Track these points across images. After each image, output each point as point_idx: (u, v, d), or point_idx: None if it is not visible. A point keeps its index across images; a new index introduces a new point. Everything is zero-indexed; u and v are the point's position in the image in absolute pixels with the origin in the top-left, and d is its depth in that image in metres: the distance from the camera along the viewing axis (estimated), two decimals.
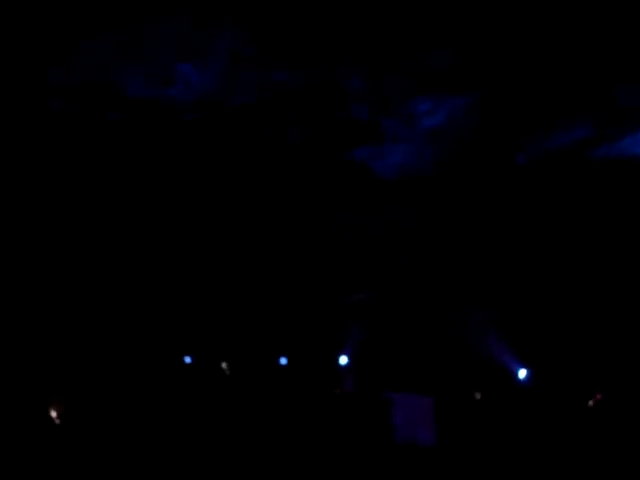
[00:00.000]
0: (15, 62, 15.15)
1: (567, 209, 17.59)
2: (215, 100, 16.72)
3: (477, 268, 17.96)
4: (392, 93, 16.89)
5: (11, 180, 17.20)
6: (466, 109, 16.36)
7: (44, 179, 17.46)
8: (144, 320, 18.47)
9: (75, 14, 14.54)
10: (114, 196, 18.01)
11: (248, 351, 18.33)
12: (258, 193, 17.76)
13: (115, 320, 18.37)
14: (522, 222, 17.71)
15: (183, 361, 18.49)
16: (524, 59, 15.93)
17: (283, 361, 18.23)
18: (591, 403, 16.00)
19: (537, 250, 17.79)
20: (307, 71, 16.42)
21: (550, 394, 16.48)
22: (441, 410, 15.63)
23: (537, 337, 17.48)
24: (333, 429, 15.27)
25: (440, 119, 17.07)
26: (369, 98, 16.95)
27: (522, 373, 17.08)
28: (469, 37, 14.81)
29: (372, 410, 15.64)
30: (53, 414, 15.75)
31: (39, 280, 18.00)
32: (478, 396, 17.02)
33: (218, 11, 14.87)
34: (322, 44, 15.96)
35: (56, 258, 18.12)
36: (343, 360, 17.95)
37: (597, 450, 13.31)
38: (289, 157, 17.64)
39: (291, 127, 17.31)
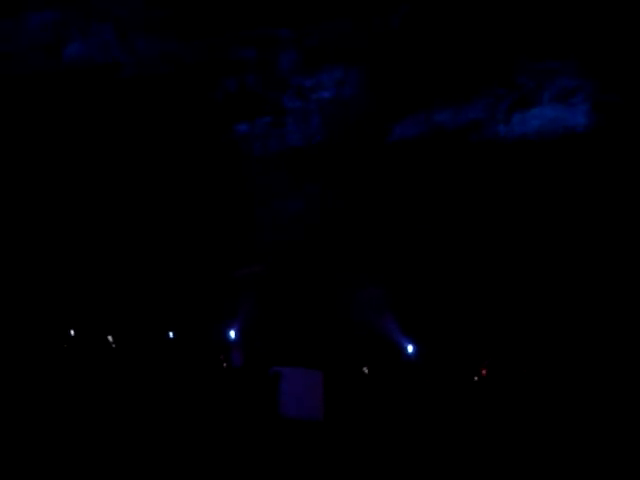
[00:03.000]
0: None
1: (452, 188, 17.78)
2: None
3: (367, 246, 17.98)
4: (283, 66, 16.77)
5: None
6: (354, 83, 16.36)
7: None
8: (28, 291, 17.89)
9: None
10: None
11: (135, 324, 17.93)
12: (152, 163, 17.36)
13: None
14: (408, 201, 17.81)
15: (68, 334, 17.96)
16: (414, 31, 16.02)
17: (170, 335, 17.89)
18: (476, 378, 16.24)
19: (422, 229, 17.92)
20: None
21: (436, 369, 16.66)
22: (329, 384, 15.59)
23: (425, 314, 17.63)
24: (219, 403, 15.07)
25: (329, 93, 17.02)
26: (261, 71, 16.79)
27: (410, 348, 17.21)
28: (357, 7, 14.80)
29: (260, 384, 15.50)
30: None
31: None
32: (366, 370, 17.07)
33: None
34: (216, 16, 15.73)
35: None
36: (232, 334, 17.72)
37: (480, 423, 13.50)
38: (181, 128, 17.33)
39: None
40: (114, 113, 17.13)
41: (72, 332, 17.90)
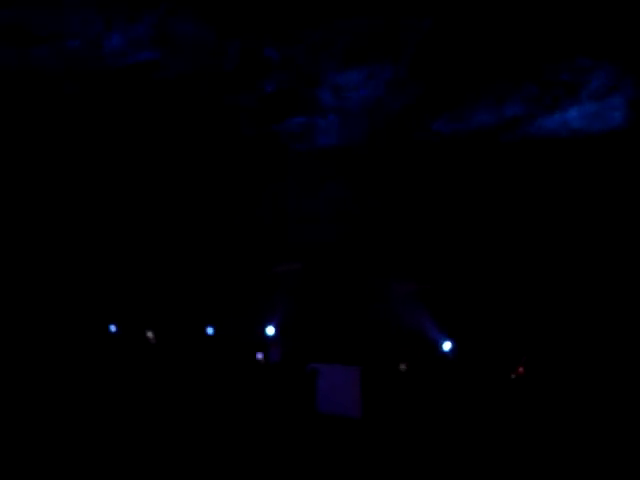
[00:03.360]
0: None
1: (490, 185, 17.78)
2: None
3: (402, 241, 18.05)
4: (316, 64, 16.86)
5: None
6: (390, 81, 16.42)
7: None
8: (70, 286, 18.18)
9: None
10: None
11: (175, 320, 18.17)
12: (186, 163, 17.56)
13: (39, 284, 18.08)
14: (445, 197, 17.85)
15: (108, 329, 18.26)
16: (450, 31, 16.03)
17: (210, 331, 18.11)
18: (513, 376, 16.27)
19: (458, 224, 17.95)
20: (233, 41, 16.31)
21: (473, 366, 16.71)
22: (367, 381, 15.72)
23: (462, 310, 17.66)
24: (258, 399, 15.26)
25: (366, 92, 17.08)
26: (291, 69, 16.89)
27: (446, 345, 17.25)
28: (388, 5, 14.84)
29: (297, 381, 15.67)
30: None
31: None
32: (403, 367, 17.15)
33: None
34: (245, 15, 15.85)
35: None
36: (270, 330, 17.89)
37: (518, 422, 13.55)
38: (219, 127, 17.49)
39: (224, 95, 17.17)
40: (150, 110, 17.34)
41: (112, 328, 18.20)
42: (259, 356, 17.64)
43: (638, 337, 15.86)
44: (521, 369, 16.43)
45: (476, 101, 17.32)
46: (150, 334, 18.13)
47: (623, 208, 17.08)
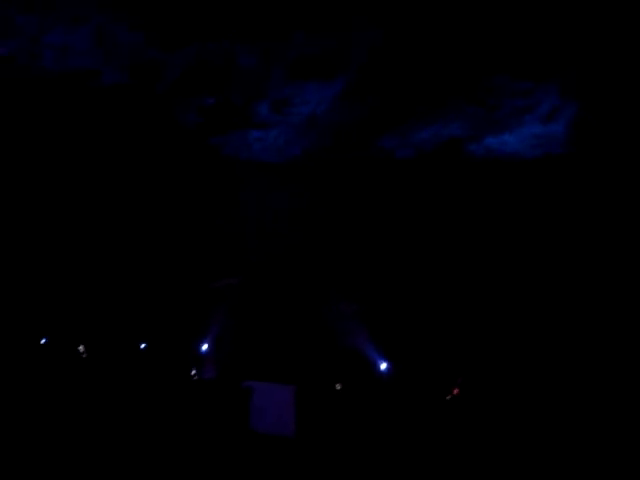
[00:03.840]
0: None
1: (434, 205, 17.83)
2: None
3: (344, 262, 17.96)
4: (267, 79, 16.73)
5: None
6: (338, 97, 16.37)
7: None
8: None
9: None
10: None
11: (107, 334, 17.79)
12: (121, 172, 17.28)
13: None
14: (388, 217, 17.84)
15: (39, 341, 17.81)
16: (394, 49, 16.07)
17: (143, 346, 17.77)
18: (448, 397, 16.22)
19: (401, 246, 17.94)
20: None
21: (409, 387, 16.65)
22: (301, 400, 15.52)
23: (400, 332, 17.61)
24: (191, 416, 14.96)
25: (313, 107, 17.00)
26: (246, 83, 16.75)
27: (383, 366, 17.16)
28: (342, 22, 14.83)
29: (231, 398, 15.41)
30: None
31: None
32: (339, 387, 17.00)
33: None
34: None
35: None
36: (205, 346, 17.63)
37: (451, 441, 13.48)
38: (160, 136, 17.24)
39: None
40: (91, 120, 17.03)
41: (43, 341, 17.76)
42: (193, 372, 17.35)
43: (571, 360, 15.99)
44: (456, 390, 16.41)
45: (421, 120, 17.35)
46: (81, 347, 17.71)
47: (562, 229, 17.24)
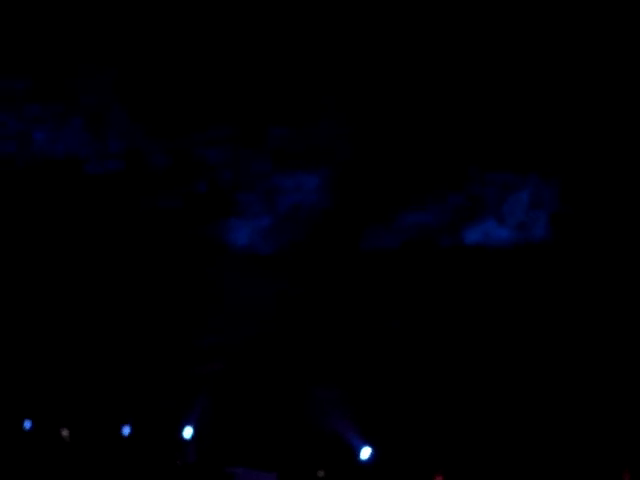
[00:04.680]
0: None
1: (412, 294, 18.01)
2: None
3: (327, 349, 18.06)
4: (251, 170, 17.16)
5: None
6: (318, 188, 16.75)
7: None
8: None
9: None
10: None
11: (91, 418, 17.80)
12: (107, 255, 17.55)
13: None
14: (370, 306, 18.01)
15: (23, 426, 17.83)
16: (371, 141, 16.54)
17: (126, 430, 17.75)
18: None
19: (383, 332, 18.05)
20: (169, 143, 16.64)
21: (393, 474, 16.59)
22: None
23: (382, 418, 17.60)
24: None
25: (296, 198, 17.39)
26: (230, 172, 17.18)
27: (365, 452, 17.10)
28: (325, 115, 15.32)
29: None
30: None
31: None
32: (321, 474, 16.95)
33: None
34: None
35: None
36: (188, 431, 17.60)
37: None
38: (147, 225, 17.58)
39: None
40: (77, 208, 17.42)
41: (27, 424, 17.77)
42: (176, 456, 17.32)
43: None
44: (439, 478, 16.35)
45: (403, 210, 17.69)
46: (65, 432, 17.71)
47: (542, 321, 17.35)
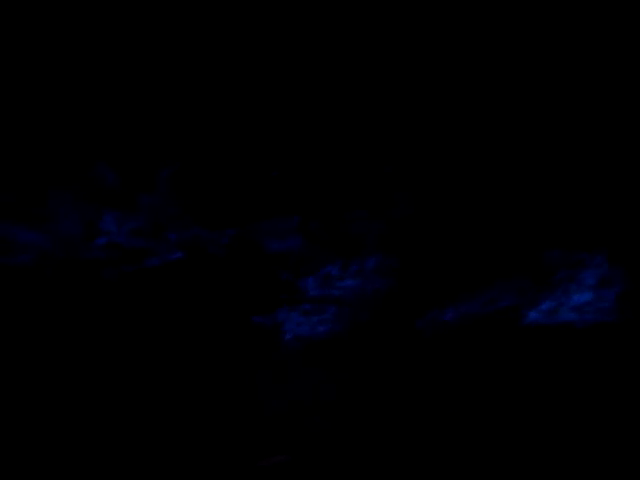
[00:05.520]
0: None
1: (475, 375, 17.74)
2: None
3: (390, 438, 17.68)
4: (310, 256, 16.79)
5: None
6: (381, 272, 16.42)
7: None
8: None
9: None
10: None
11: None
12: (180, 348, 17.10)
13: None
14: (432, 390, 17.73)
15: None
16: (440, 229, 16.20)
17: None
18: None
19: (447, 418, 17.76)
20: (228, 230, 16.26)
21: None
22: None
23: None
24: None
25: (355, 282, 17.03)
26: (290, 260, 16.80)
27: None
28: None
29: None
30: None
31: None
32: None
33: None
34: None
35: None
36: None
37: None
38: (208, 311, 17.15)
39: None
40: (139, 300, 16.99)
41: None
42: None
43: None
44: None
45: (467, 294, 17.34)
46: None
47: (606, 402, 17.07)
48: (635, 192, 16.40)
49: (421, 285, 17.31)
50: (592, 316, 17.57)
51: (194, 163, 15.37)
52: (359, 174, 15.21)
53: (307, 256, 16.76)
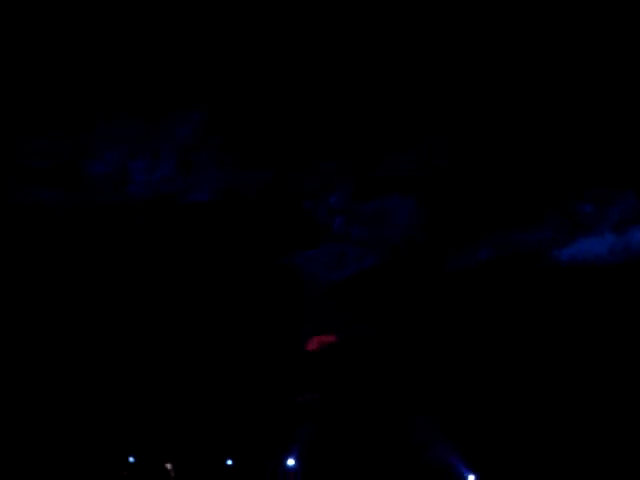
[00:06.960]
0: None
1: (514, 313, 17.74)
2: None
3: (422, 375, 17.90)
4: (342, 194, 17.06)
5: None
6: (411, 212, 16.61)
7: None
8: (88, 416, 18.02)
9: None
10: None
11: (194, 451, 17.94)
12: (214, 295, 17.60)
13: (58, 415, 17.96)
14: (463, 327, 17.80)
15: (127, 460, 18.06)
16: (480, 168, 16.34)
17: (229, 462, 17.90)
18: None
19: (483, 358, 17.85)
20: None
21: None
22: None
23: (485, 442, 17.44)
24: None
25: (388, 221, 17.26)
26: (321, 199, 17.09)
27: (470, 479, 17.01)
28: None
29: None
30: None
31: None
32: None
33: None
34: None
35: None
36: (290, 461, 17.69)
37: None
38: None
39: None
40: (175, 237, 17.51)
41: (131, 459, 17.98)
42: None
43: None
44: None
45: (507, 228, 17.41)
46: (169, 466, 17.89)
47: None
48: None
49: (457, 222, 17.46)
50: (622, 252, 17.53)
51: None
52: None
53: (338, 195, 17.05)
